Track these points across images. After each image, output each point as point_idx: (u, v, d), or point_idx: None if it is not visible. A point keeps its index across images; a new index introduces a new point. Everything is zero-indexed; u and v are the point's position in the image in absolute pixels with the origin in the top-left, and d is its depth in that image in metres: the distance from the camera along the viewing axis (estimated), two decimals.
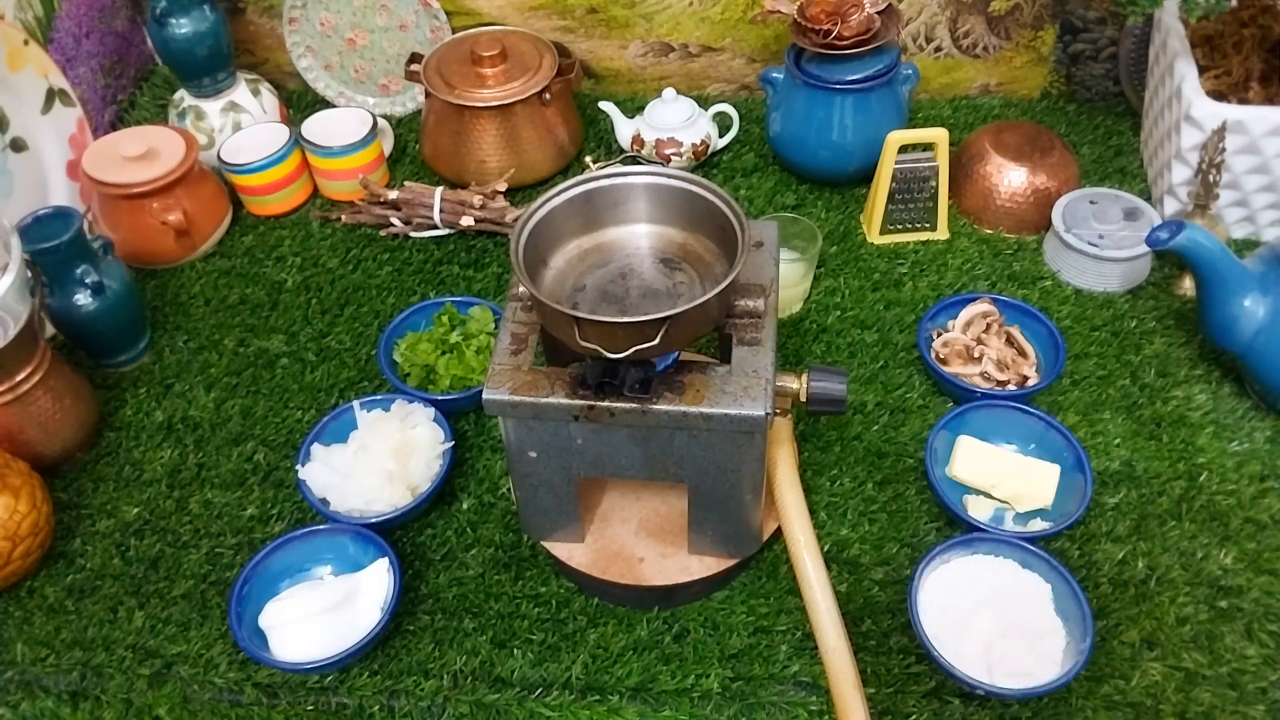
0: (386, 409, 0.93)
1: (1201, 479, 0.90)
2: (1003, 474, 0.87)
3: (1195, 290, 0.93)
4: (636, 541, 0.82)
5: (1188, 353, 1.00)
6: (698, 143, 1.20)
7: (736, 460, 0.72)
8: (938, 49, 1.28)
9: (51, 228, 0.94)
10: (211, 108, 1.24)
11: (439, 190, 1.15)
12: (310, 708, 0.79)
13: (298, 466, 0.90)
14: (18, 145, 1.10)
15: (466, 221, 1.14)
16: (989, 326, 0.99)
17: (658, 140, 1.20)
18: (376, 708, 0.78)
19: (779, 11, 1.13)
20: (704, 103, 1.25)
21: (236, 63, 1.27)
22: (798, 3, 1.11)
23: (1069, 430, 0.89)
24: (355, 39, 1.31)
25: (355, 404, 0.94)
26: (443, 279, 1.13)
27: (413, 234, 1.17)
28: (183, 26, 1.17)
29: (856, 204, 1.18)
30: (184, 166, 1.10)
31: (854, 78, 1.10)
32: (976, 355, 0.96)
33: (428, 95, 1.20)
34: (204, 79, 1.22)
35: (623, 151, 1.25)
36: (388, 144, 1.29)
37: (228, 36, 1.22)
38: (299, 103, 1.37)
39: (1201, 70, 1.06)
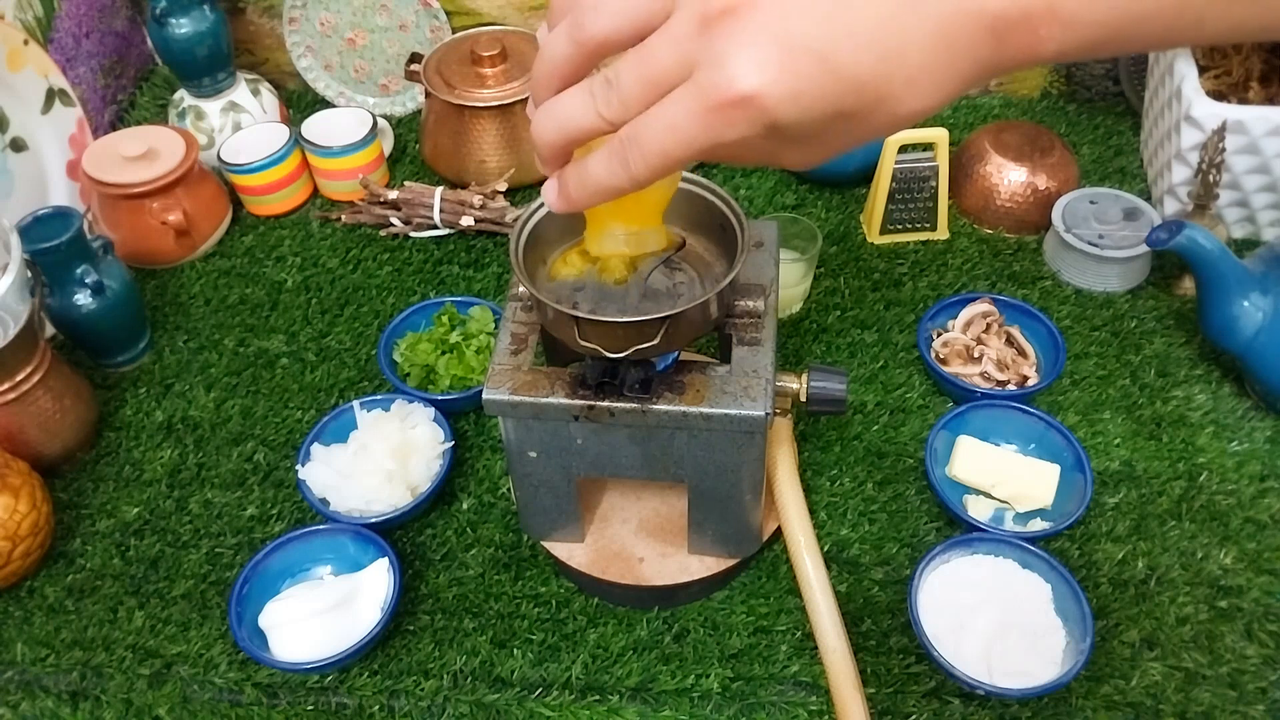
0: (386, 409, 0.93)
1: (1201, 479, 0.90)
2: (1003, 474, 0.87)
3: (1195, 290, 0.93)
4: (636, 541, 0.82)
5: (1188, 353, 1.00)
6: None
7: (736, 460, 0.72)
8: None
9: (51, 228, 0.94)
10: (211, 108, 1.24)
11: (439, 190, 1.15)
12: (310, 708, 0.79)
13: (298, 466, 0.90)
14: (18, 145, 1.10)
15: (466, 221, 1.14)
16: (989, 326, 0.99)
17: None
18: (376, 708, 0.78)
19: None
20: None
21: (236, 63, 1.27)
22: None
23: (1069, 430, 0.89)
24: (355, 39, 1.31)
25: (355, 404, 0.94)
26: (443, 279, 1.13)
27: (413, 234, 1.17)
28: (183, 26, 1.17)
29: (856, 204, 1.18)
30: (184, 166, 1.09)
31: None
32: (976, 355, 0.96)
33: (428, 95, 1.20)
34: (204, 79, 1.22)
35: None
36: (388, 144, 1.29)
37: (228, 36, 1.22)
38: (299, 103, 1.37)
39: (1201, 70, 1.06)
